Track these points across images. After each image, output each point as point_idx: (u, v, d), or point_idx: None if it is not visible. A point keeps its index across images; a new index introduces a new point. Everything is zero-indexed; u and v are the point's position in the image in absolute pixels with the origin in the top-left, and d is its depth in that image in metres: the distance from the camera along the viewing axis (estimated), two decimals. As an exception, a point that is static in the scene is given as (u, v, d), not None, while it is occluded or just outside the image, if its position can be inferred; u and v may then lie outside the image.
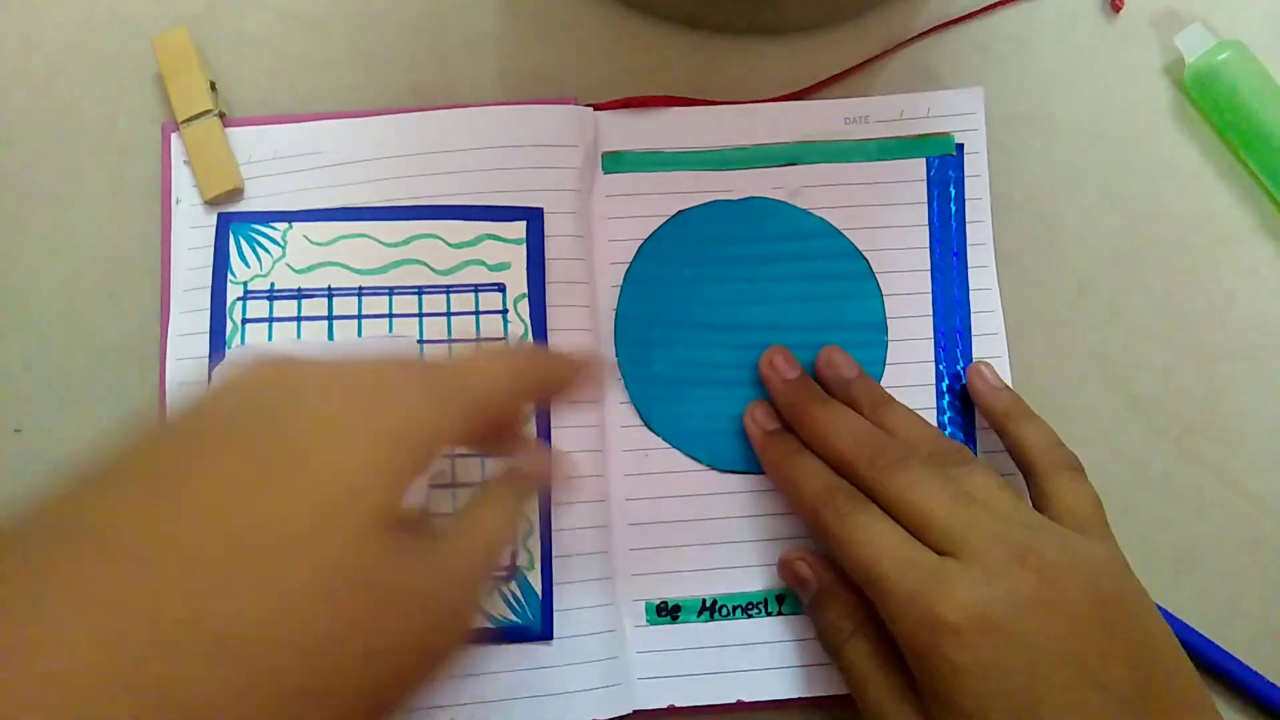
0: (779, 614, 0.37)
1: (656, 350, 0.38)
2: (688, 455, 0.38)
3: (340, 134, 0.39)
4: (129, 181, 0.39)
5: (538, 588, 0.36)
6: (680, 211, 0.39)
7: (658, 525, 0.37)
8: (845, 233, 0.39)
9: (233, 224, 0.38)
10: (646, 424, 0.38)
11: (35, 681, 0.14)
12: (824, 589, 0.34)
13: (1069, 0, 0.42)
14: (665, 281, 0.39)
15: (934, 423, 0.38)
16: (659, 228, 0.39)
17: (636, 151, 0.39)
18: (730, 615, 0.37)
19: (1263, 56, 0.40)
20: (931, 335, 0.39)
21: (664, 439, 0.38)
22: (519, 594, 0.36)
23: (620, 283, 0.39)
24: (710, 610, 0.37)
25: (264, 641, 0.17)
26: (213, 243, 0.38)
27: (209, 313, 0.38)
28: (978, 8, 0.41)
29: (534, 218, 0.38)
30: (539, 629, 0.35)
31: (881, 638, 0.32)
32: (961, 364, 0.39)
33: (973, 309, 0.39)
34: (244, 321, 0.38)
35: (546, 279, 0.38)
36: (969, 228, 0.39)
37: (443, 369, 0.25)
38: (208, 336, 0.37)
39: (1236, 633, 0.37)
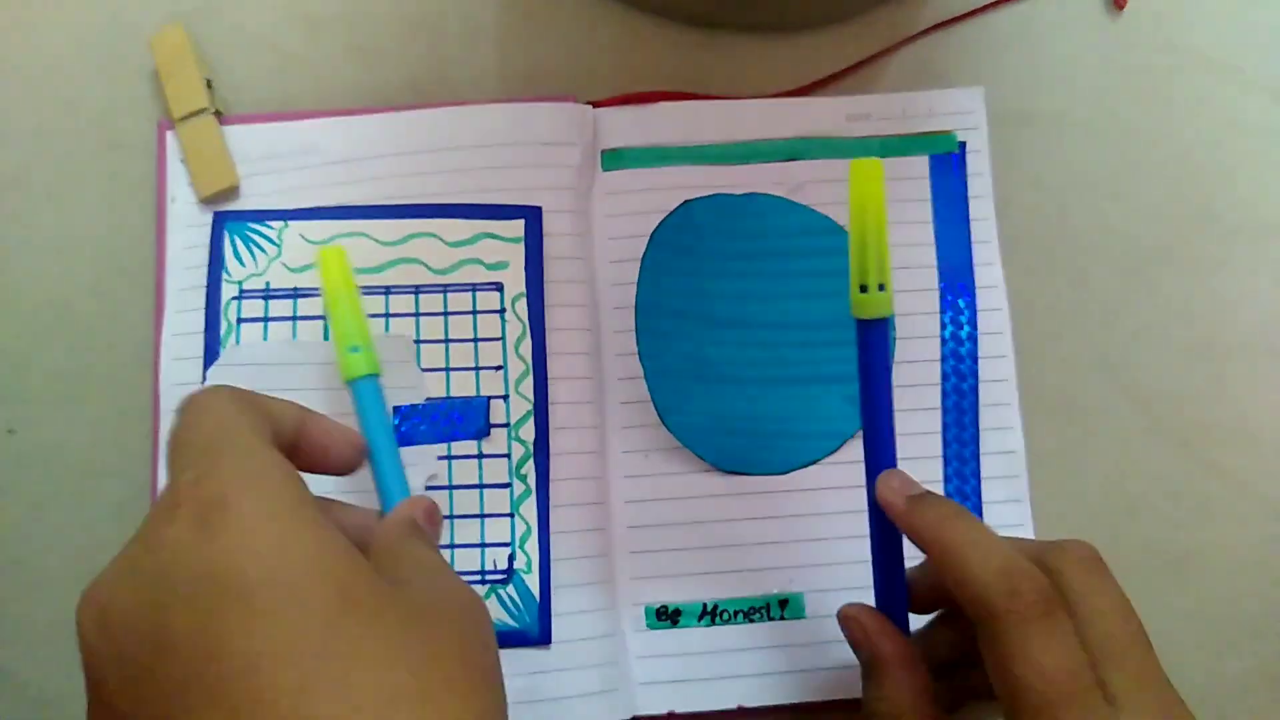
0: (781, 619, 0.36)
1: (669, 342, 0.38)
2: (695, 454, 0.37)
3: (337, 132, 0.38)
4: (124, 179, 0.39)
5: (536, 592, 0.35)
6: (686, 201, 0.39)
7: (658, 528, 0.37)
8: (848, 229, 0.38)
9: (228, 222, 0.38)
10: (662, 420, 0.37)
11: None
12: (884, 660, 0.29)
13: (1072, -2, 0.42)
14: (674, 272, 0.38)
15: (938, 422, 0.38)
16: (667, 216, 0.38)
17: (636, 148, 0.39)
18: (731, 620, 0.36)
19: (1264, 58, 0.40)
20: (938, 333, 0.38)
21: (676, 436, 0.37)
22: (517, 598, 0.35)
23: (622, 280, 0.38)
24: (711, 615, 0.36)
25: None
26: (208, 241, 0.38)
27: (204, 312, 0.37)
28: (980, 5, 0.41)
29: (532, 216, 0.38)
30: (537, 633, 0.35)
31: None
32: (969, 363, 0.38)
33: (979, 307, 0.38)
34: (239, 321, 0.37)
35: (545, 278, 0.37)
36: (973, 225, 0.39)
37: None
38: (203, 336, 0.37)
39: (1239, 633, 0.37)
